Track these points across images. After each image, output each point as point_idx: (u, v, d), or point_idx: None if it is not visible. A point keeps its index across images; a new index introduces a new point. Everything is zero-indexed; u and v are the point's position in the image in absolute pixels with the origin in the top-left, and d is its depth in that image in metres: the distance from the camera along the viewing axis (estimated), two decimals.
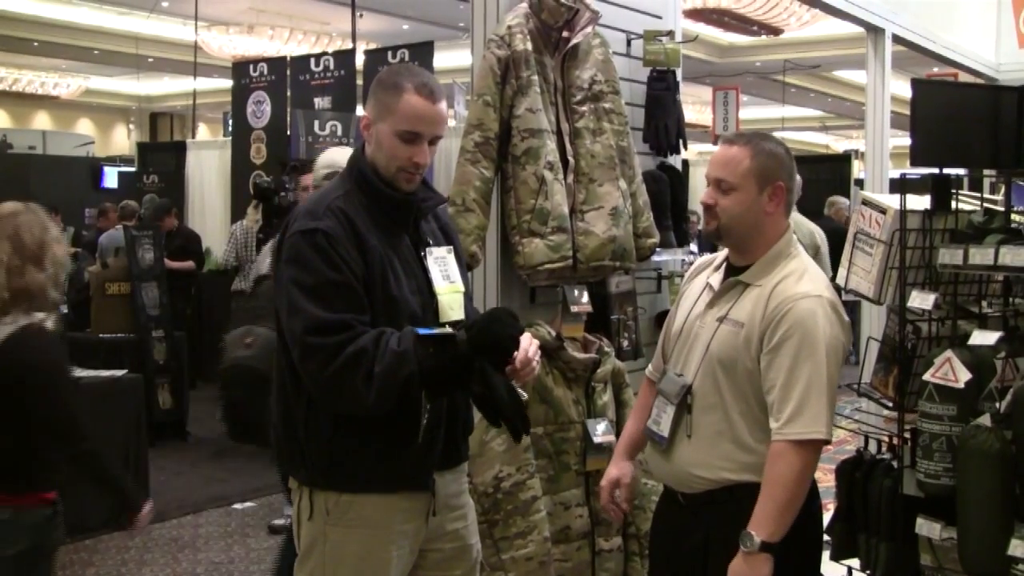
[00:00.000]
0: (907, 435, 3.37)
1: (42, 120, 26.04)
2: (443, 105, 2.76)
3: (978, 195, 3.55)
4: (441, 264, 2.84)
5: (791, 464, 2.68)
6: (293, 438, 2.74)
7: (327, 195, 2.75)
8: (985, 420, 2.95)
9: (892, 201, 3.44)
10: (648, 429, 3.02)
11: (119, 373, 6.82)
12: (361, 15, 13.12)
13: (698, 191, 13.67)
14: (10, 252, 3.25)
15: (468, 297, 2.99)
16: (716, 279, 2.96)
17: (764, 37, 16.53)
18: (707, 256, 3.15)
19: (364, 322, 2.58)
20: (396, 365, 2.53)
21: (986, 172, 3.75)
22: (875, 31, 6.82)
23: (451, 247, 2.92)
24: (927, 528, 3.19)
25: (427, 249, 2.82)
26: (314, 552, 2.76)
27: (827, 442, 2.73)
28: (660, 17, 4.70)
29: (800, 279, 2.80)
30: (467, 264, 3.26)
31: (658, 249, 4.34)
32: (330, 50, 14.12)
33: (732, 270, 2.94)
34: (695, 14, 13.99)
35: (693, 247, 10.10)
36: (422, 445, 2.70)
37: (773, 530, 2.66)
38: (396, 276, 2.68)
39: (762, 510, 2.68)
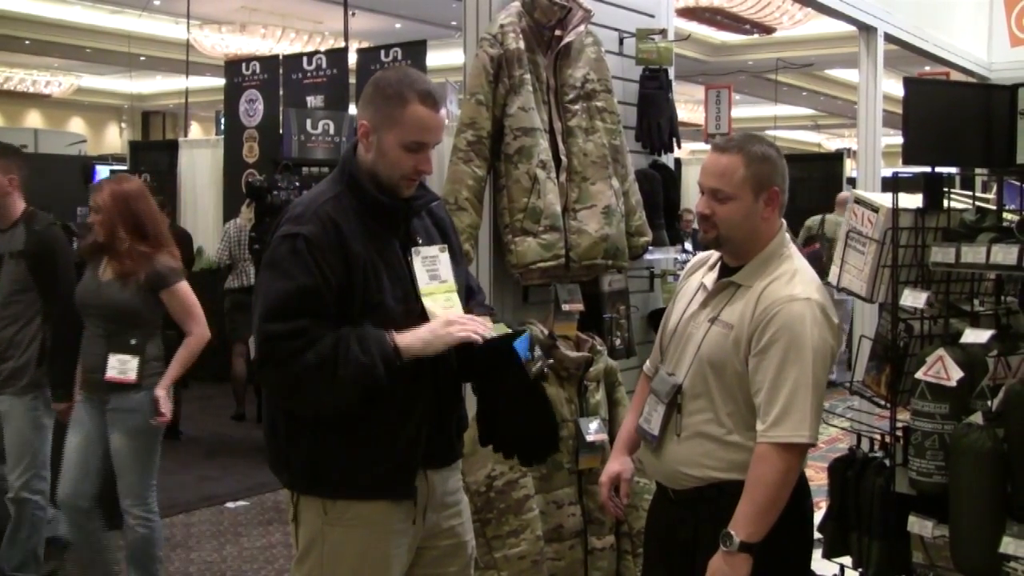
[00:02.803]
0: (899, 433, 3.37)
1: (34, 119, 25.96)
2: (444, 111, 2.78)
3: (970, 194, 3.55)
4: (429, 263, 2.82)
5: (774, 466, 2.68)
6: (276, 443, 2.76)
7: (316, 198, 2.74)
8: (977, 418, 2.95)
9: (884, 200, 3.44)
10: (639, 427, 3.03)
11: None
12: (354, 14, 13.13)
13: (691, 189, 13.70)
14: None
15: (471, 291, 3.00)
16: (710, 279, 2.97)
17: (756, 36, 16.55)
18: (703, 254, 3.15)
19: (323, 326, 2.58)
20: (362, 375, 2.56)
21: (978, 171, 3.75)
22: (867, 30, 6.82)
23: (444, 245, 2.90)
24: (919, 526, 3.19)
25: (414, 249, 2.80)
26: (312, 552, 2.76)
27: (812, 446, 2.74)
28: (653, 16, 4.70)
29: (790, 281, 2.81)
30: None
31: (651, 248, 4.35)
32: (322, 49, 14.08)
33: (725, 270, 2.94)
34: (688, 13, 14.00)
35: (687, 245, 10.12)
36: (403, 452, 2.71)
37: (753, 531, 2.67)
38: (380, 283, 2.67)
39: (743, 511, 2.69)
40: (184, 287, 4.68)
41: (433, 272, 2.82)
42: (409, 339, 2.63)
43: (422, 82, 2.74)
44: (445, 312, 2.77)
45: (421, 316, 2.73)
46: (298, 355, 2.54)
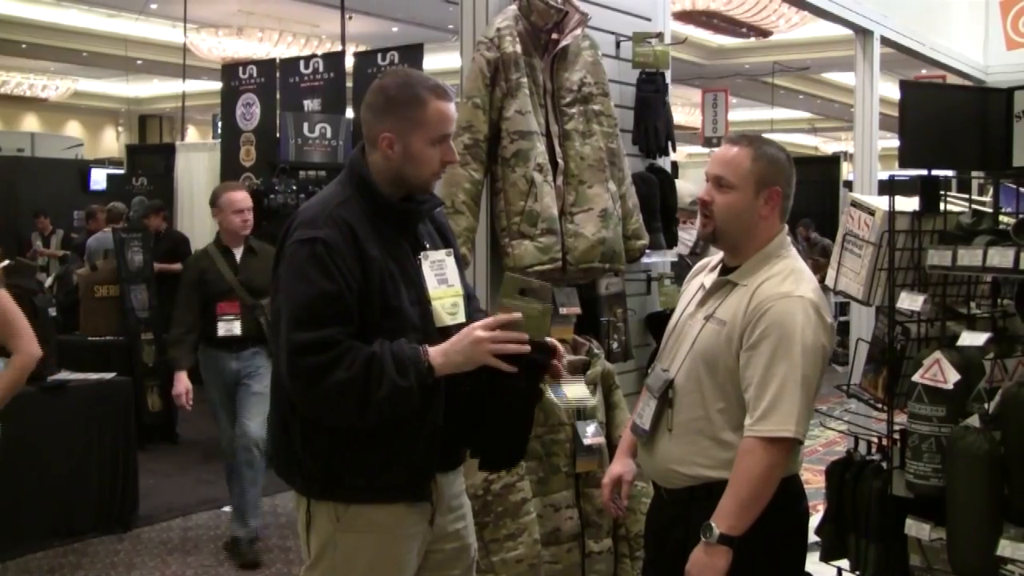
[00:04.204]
0: (896, 436, 3.38)
1: (31, 122, 25.96)
2: (454, 101, 2.82)
3: (966, 197, 3.56)
4: (437, 268, 2.82)
5: (759, 461, 2.69)
6: (289, 448, 2.72)
7: (328, 202, 2.71)
8: (974, 421, 2.96)
9: (881, 203, 3.45)
10: (633, 423, 3.05)
11: (108, 376, 6.81)
12: (350, 17, 13.12)
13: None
14: None
15: (469, 298, 2.99)
16: (710, 279, 2.99)
17: (753, 39, 16.55)
18: (708, 258, 3.17)
19: (351, 334, 2.56)
20: (399, 399, 2.55)
21: (974, 174, 3.77)
22: (864, 33, 6.82)
23: (450, 249, 2.91)
24: (916, 529, 3.20)
25: (423, 253, 2.80)
26: (324, 559, 2.73)
27: (799, 442, 2.74)
28: (649, 19, 4.70)
29: (784, 279, 2.82)
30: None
31: (648, 251, 4.35)
32: (319, 52, 14.11)
33: (724, 270, 2.96)
34: (684, 16, 14.00)
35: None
36: (419, 455, 2.70)
37: (733, 524, 2.68)
38: (396, 286, 2.66)
39: (725, 503, 2.71)
40: (1, 299, 4.04)
41: (441, 276, 2.82)
42: (441, 359, 2.61)
43: (429, 79, 2.76)
44: (451, 317, 2.78)
45: (431, 319, 2.74)
46: (328, 372, 2.51)
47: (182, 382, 5.86)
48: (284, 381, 2.61)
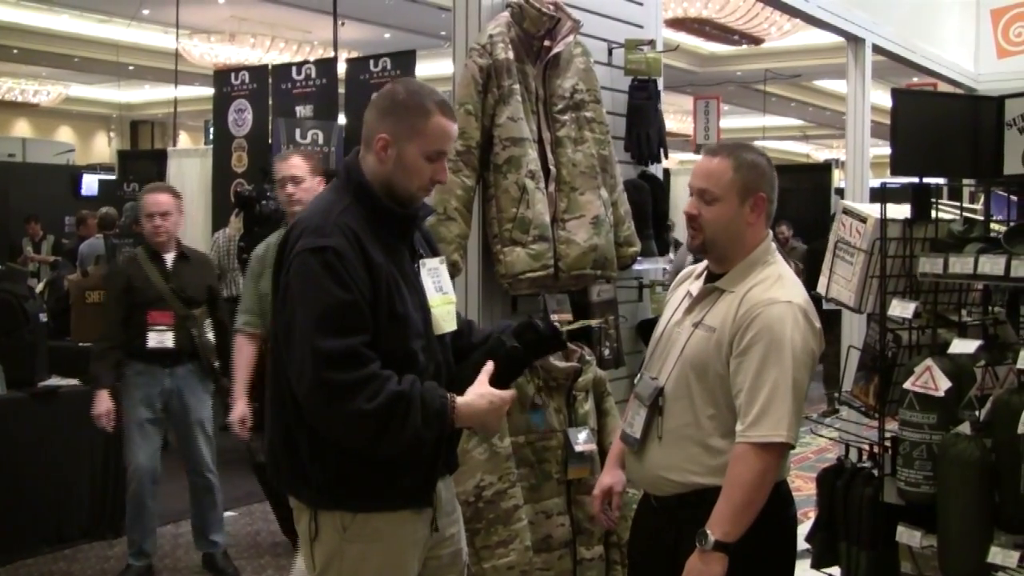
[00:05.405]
0: (888, 443, 3.38)
1: (22, 127, 25.90)
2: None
3: (958, 204, 3.57)
4: (434, 275, 2.83)
5: (751, 466, 2.70)
6: (295, 459, 2.69)
7: (330, 210, 2.68)
8: (965, 428, 2.96)
9: (872, 210, 3.45)
10: (622, 432, 3.05)
11: None
12: (343, 24, 13.12)
13: (679, 200, 13.68)
14: None
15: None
16: (696, 287, 3.00)
17: (745, 47, 16.60)
18: (692, 266, 3.18)
19: (368, 343, 2.55)
20: (415, 444, 2.58)
21: (966, 181, 3.77)
22: (855, 41, 6.85)
23: (442, 257, 2.92)
24: (907, 536, 3.20)
25: (421, 261, 2.81)
26: (330, 570, 2.72)
27: (791, 447, 2.75)
28: (641, 26, 4.71)
29: (772, 285, 2.83)
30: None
31: (639, 258, 4.35)
32: (312, 59, 14.10)
33: (711, 277, 2.97)
34: (676, 23, 14.03)
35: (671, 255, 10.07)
36: (426, 462, 2.70)
37: (728, 530, 2.69)
38: (400, 293, 2.66)
39: (719, 510, 2.71)
40: None
41: (438, 284, 2.83)
42: (465, 416, 2.64)
43: (438, 93, 2.76)
44: (447, 324, 2.81)
45: (431, 326, 2.76)
46: (351, 396, 2.48)
47: (103, 402, 5.45)
48: (298, 392, 2.57)
